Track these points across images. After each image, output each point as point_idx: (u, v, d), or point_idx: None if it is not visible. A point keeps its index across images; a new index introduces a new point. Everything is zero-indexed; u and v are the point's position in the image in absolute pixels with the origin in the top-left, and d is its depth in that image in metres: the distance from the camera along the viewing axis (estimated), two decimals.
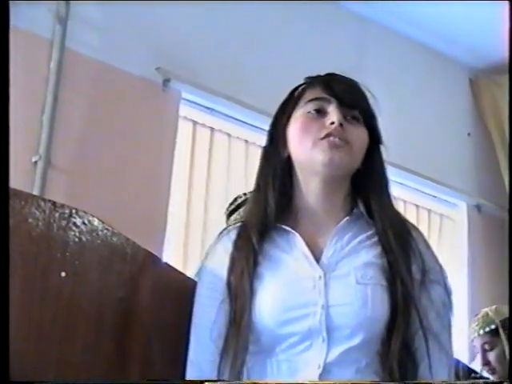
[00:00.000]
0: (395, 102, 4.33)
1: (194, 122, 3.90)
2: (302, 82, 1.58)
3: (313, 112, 1.49)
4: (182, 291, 1.53)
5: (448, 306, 1.49)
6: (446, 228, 4.94)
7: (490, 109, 5.20)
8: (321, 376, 1.36)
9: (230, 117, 3.96)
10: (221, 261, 1.47)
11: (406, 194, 4.64)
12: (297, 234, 1.48)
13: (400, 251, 1.45)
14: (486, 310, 3.10)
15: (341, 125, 1.45)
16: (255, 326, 1.40)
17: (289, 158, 1.52)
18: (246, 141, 4.04)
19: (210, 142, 3.92)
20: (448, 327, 1.48)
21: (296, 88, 1.57)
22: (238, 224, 1.53)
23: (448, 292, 1.50)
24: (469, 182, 5.05)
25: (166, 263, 1.62)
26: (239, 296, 1.42)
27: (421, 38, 4.86)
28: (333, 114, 1.46)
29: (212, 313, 1.44)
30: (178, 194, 3.66)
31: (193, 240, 3.69)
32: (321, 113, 1.49)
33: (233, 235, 1.50)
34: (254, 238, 1.46)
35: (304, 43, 4.26)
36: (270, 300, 1.40)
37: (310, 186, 1.50)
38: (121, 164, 3.41)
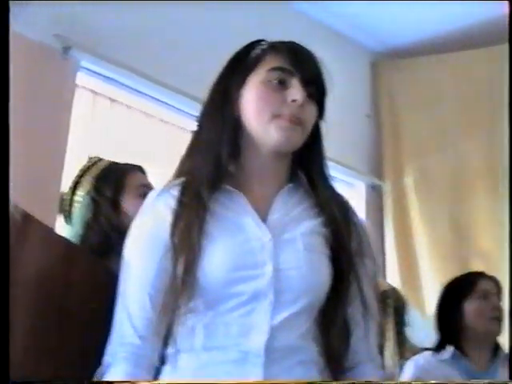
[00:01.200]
0: None
1: (93, 92, 3.82)
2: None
3: (274, 82, 1.48)
4: (66, 258, 1.51)
5: (376, 277, 1.56)
6: None
7: (386, 91, 5.30)
8: (267, 342, 1.37)
9: (131, 88, 3.89)
10: (161, 217, 1.44)
11: None
12: (242, 195, 1.47)
13: (343, 222, 1.50)
14: None
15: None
16: (200, 282, 1.38)
17: (239, 119, 1.50)
18: (146, 113, 3.99)
19: (109, 112, 3.86)
20: (377, 298, 1.53)
21: (251, 46, 1.54)
22: (178, 181, 1.49)
23: (376, 264, 1.57)
24: (367, 163, 5.16)
25: (54, 231, 1.59)
26: (185, 251, 1.39)
27: (324, 20, 4.90)
28: (296, 91, 1.47)
29: (150, 269, 1.41)
30: (74, 164, 3.59)
31: None
32: (282, 84, 1.48)
33: (175, 192, 1.47)
34: (204, 194, 1.44)
35: (205, 16, 4.20)
36: (219, 258, 1.39)
37: (259, 152, 1.50)
38: (15, 131, 3.30)
